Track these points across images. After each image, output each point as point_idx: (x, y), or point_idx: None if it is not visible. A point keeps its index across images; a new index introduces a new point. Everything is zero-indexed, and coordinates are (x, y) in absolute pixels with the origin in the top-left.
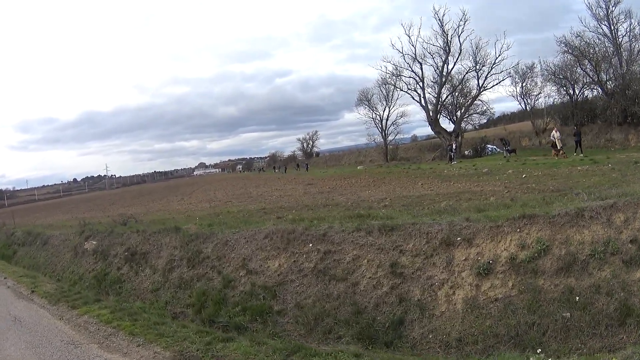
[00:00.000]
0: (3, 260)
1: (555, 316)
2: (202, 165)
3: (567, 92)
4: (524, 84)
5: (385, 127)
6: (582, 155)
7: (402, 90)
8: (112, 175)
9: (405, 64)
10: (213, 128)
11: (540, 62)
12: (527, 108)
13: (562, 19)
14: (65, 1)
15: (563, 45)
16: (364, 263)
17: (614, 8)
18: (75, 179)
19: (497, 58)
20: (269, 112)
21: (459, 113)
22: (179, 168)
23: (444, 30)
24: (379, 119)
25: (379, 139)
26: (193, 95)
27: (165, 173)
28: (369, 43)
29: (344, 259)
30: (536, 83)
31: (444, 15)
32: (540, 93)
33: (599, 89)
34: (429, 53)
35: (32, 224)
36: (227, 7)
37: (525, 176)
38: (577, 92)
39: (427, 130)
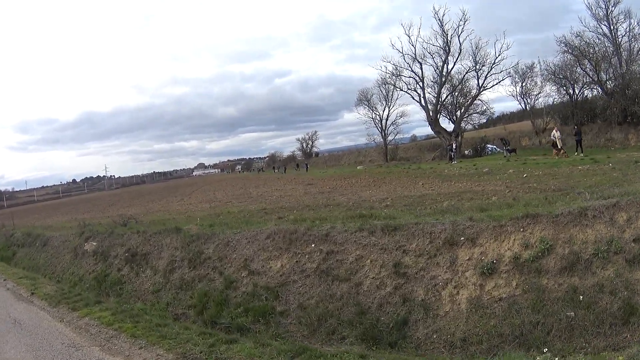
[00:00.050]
0: (2, 262)
1: (559, 315)
2: (201, 166)
3: (567, 92)
4: (523, 84)
5: (385, 127)
6: (582, 154)
7: (402, 90)
8: (111, 175)
9: (405, 63)
10: (212, 128)
11: (540, 62)
12: (527, 108)
13: (562, 19)
14: (65, 2)
15: (563, 45)
16: (367, 263)
17: (613, 8)
18: (74, 180)
19: (497, 58)
20: (268, 112)
21: (458, 113)
22: (178, 168)
23: (443, 30)
24: (378, 118)
25: (378, 139)
26: (192, 96)
27: (165, 173)
28: (369, 43)
29: (347, 259)
30: (536, 83)
31: (443, 15)
32: (540, 93)
33: (599, 88)
34: (429, 53)
35: (32, 225)
36: (226, 8)
37: (526, 176)
38: (576, 91)
39: (427, 130)
